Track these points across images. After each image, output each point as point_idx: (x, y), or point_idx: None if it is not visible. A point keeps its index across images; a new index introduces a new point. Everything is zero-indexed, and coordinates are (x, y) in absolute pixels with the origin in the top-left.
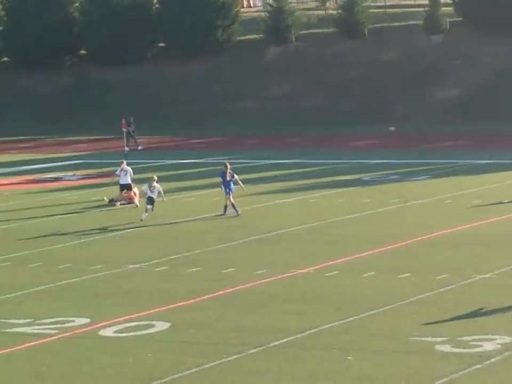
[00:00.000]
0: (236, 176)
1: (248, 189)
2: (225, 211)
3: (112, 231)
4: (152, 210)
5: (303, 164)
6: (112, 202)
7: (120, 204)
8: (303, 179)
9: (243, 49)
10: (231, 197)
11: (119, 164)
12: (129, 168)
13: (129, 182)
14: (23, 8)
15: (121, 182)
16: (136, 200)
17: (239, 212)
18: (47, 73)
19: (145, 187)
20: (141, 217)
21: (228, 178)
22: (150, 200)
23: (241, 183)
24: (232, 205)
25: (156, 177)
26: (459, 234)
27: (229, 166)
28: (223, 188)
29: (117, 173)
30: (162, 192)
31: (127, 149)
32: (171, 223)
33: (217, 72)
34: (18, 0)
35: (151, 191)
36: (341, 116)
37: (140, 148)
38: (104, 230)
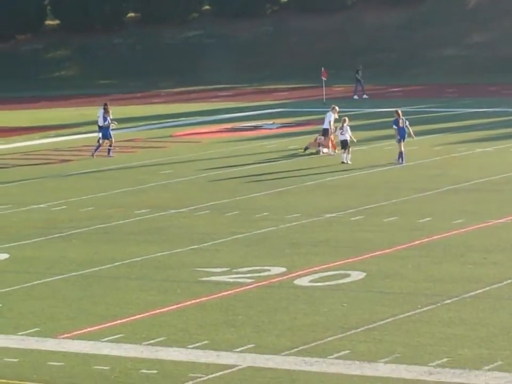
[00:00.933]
0: (407, 123)
1: (447, 138)
2: (400, 158)
3: (308, 180)
4: (349, 153)
5: (504, 112)
6: (307, 149)
7: (322, 153)
8: (504, 128)
9: None
10: (402, 144)
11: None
12: (330, 114)
13: (327, 127)
14: None
15: (323, 127)
16: (325, 149)
17: (403, 163)
18: (247, 21)
19: (337, 131)
20: (343, 160)
21: (401, 125)
22: (344, 143)
23: (412, 132)
24: (400, 153)
25: (347, 118)
26: None
27: (401, 113)
28: (396, 135)
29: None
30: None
31: (355, 97)
32: (368, 172)
33: (417, 20)
34: None
35: (342, 134)
36: None
37: (365, 96)
38: (300, 179)
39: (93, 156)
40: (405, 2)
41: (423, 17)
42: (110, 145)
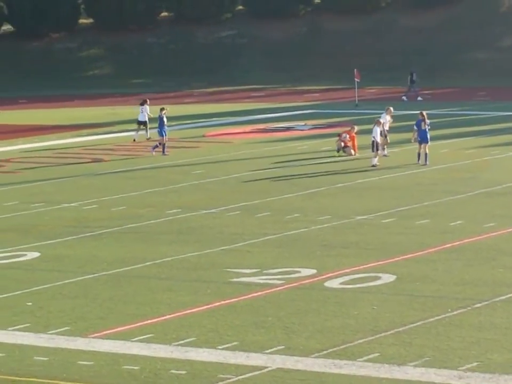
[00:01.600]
0: (429, 127)
1: (480, 141)
2: (425, 159)
3: (339, 181)
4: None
5: None
6: (339, 150)
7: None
8: None
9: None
10: (427, 146)
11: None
12: (382, 116)
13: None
14: None
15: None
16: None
17: (426, 163)
18: (280, 22)
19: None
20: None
21: (423, 127)
22: (372, 145)
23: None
24: (418, 154)
25: (382, 120)
26: None
27: (426, 115)
28: (416, 135)
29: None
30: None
31: (418, 98)
32: (399, 174)
33: (451, 22)
34: None
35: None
36: None
37: (404, 98)
38: (332, 180)
39: (164, 153)
40: (438, 5)
41: (456, 20)
42: (159, 143)
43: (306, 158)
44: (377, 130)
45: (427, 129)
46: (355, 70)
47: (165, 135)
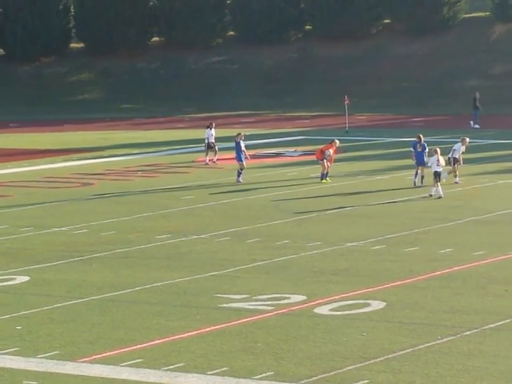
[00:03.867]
0: (427, 149)
1: (470, 169)
2: (421, 181)
3: (329, 208)
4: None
5: None
6: (322, 179)
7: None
8: None
9: (468, 27)
10: (424, 168)
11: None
12: (456, 146)
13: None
14: None
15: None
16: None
17: (422, 184)
18: (271, 48)
19: (430, 161)
20: (430, 193)
21: (419, 150)
22: (436, 175)
23: (427, 159)
24: (416, 173)
25: (439, 149)
26: None
27: (422, 138)
28: (414, 158)
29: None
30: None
31: (476, 126)
32: (389, 202)
33: (442, 50)
34: None
35: (437, 165)
36: None
37: (475, 126)
38: (321, 207)
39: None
40: (429, 32)
41: (447, 47)
42: (241, 169)
43: (296, 184)
44: (435, 159)
45: (424, 152)
46: (345, 96)
47: (241, 161)
